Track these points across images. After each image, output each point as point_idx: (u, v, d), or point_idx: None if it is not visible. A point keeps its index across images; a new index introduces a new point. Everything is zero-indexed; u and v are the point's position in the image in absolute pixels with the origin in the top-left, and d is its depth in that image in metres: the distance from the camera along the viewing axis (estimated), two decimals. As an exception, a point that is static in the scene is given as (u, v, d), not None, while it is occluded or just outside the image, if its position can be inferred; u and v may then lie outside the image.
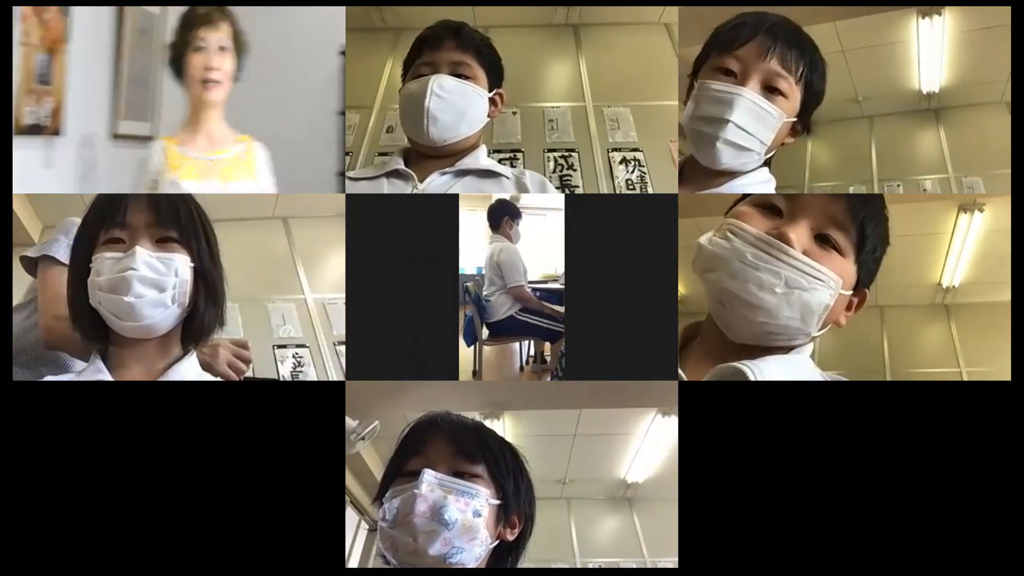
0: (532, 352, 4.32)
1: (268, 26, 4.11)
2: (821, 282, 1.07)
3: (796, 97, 1.36)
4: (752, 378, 1.06)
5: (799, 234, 1.07)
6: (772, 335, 1.09)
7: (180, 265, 1.23)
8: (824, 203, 1.10)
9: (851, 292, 1.13)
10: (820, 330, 1.11)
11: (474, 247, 4.36)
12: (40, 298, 1.74)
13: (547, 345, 3.93)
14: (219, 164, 2.01)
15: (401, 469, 1.23)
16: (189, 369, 1.27)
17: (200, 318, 1.27)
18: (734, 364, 1.08)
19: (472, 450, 1.23)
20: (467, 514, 1.17)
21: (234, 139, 2.07)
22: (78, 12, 2.89)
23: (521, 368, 4.33)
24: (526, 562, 1.30)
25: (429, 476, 1.18)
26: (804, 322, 1.08)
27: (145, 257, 1.21)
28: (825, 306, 1.08)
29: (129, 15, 3.35)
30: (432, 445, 1.23)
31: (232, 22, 2.01)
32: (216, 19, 1.98)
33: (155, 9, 3.54)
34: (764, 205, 1.12)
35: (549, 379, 3.80)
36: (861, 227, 1.10)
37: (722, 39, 1.37)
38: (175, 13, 2.09)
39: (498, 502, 1.22)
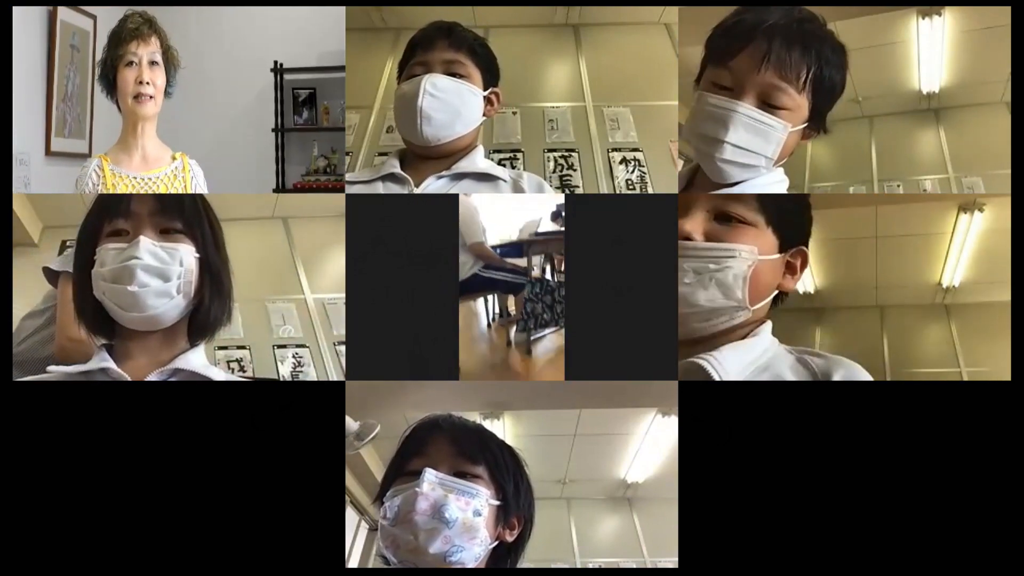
0: (497, 308, 4.29)
1: (202, 43, 4.16)
2: (731, 257, 1.12)
3: (802, 105, 1.26)
4: (711, 369, 1.12)
5: (694, 225, 1.14)
6: (708, 321, 1.15)
7: (185, 255, 1.22)
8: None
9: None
10: (761, 301, 1.16)
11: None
12: (58, 315, 1.74)
13: (510, 299, 3.90)
14: (154, 183, 2.00)
15: (403, 469, 1.24)
16: (197, 359, 1.26)
17: (206, 311, 1.25)
18: (692, 359, 1.13)
19: (473, 451, 1.24)
20: (467, 513, 1.18)
21: (169, 156, 2.07)
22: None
23: (488, 324, 4.31)
24: (526, 562, 1.31)
25: (431, 475, 1.19)
26: (728, 296, 1.13)
27: (149, 246, 1.20)
28: (742, 276, 1.13)
29: (59, 31, 3.35)
30: (434, 446, 1.24)
31: (162, 36, 2.01)
32: (146, 33, 1.96)
33: (86, 24, 3.54)
34: None
35: (515, 329, 3.75)
36: (764, 206, 1.16)
37: (717, 45, 1.29)
38: (105, 29, 2.07)
39: (498, 503, 1.23)
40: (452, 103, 1.60)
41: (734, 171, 1.30)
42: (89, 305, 1.23)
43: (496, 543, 1.23)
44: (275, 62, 4.43)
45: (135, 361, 1.23)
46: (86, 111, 3.64)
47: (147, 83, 1.95)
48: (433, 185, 1.62)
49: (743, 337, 1.17)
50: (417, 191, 1.61)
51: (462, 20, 1.68)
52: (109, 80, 1.99)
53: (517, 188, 1.68)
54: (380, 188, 1.64)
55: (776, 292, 1.20)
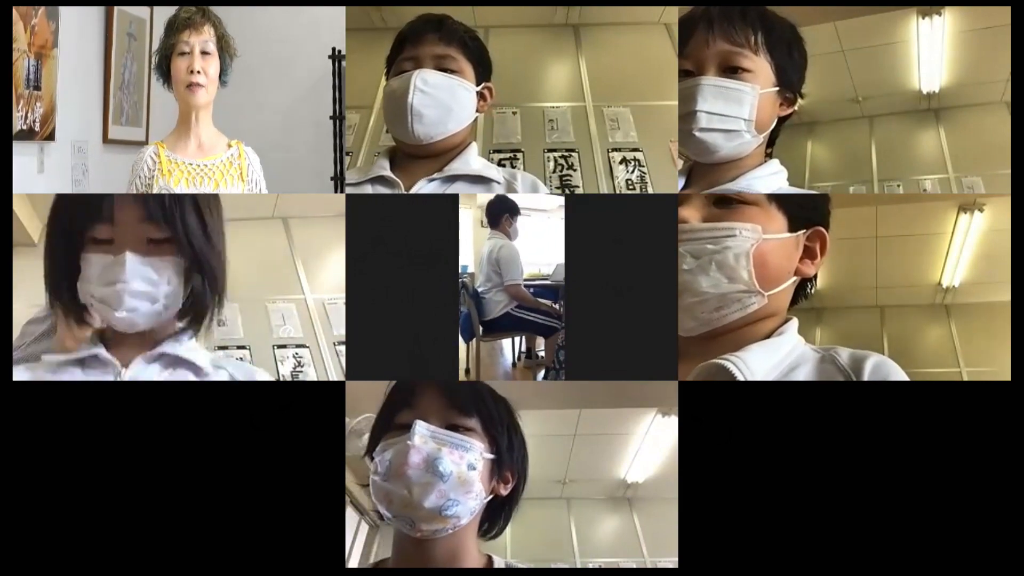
0: (524, 348, 4.29)
1: (258, 30, 4.15)
2: (730, 237, 1.06)
3: (764, 67, 1.30)
4: (735, 371, 1.05)
5: (691, 211, 1.09)
6: (719, 311, 1.08)
7: (173, 272, 1.20)
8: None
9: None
10: (775, 286, 1.09)
11: (463, 245, 4.34)
12: (59, 329, 1.73)
13: (540, 340, 3.92)
14: (210, 170, 2.01)
15: (391, 423, 1.20)
16: (183, 344, 1.26)
17: (198, 298, 1.24)
18: (714, 361, 1.07)
19: (466, 404, 1.20)
20: (462, 467, 1.15)
21: (224, 144, 2.07)
22: (64, 18, 2.88)
23: (513, 364, 4.31)
24: (526, 562, 1.30)
25: (422, 428, 1.15)
26: (734, 279, 1.07)
27: (136, 266, 1.17)
28: (744, 255, 1.06)
29: (116, 20, 3.36)
30: (424, 398, 1.20)
31: (216, 25, 2.01)
32: (199, 22, 1.97)
33: (142, 13, 3.55)
34: None
35: (544, 373, 3.76)
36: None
37: (680, 47, 1.35)
38: (162, 18, 2.10)
39: (492, 456, 1.20)
40: (444, 100, 1.56)
41: (716, 139, 1.31)
42: (71, 305, 1.22)
43: (491, 497, 1.21)
44: (333, 49, 4.40)
45: (126, 346, 1.23)
46: (143, 99, 3.65)
47: (199, 72, 1.96)
48: (425, 188, 1.58)
49: (767, 336, 1.12)
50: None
51: (462, 20, 1.66)
52: (164, 69, 2.01)
53: (511, 189, 1.66)
54: (369, 191, 1.61)
55: (797, 280, 1.15)
